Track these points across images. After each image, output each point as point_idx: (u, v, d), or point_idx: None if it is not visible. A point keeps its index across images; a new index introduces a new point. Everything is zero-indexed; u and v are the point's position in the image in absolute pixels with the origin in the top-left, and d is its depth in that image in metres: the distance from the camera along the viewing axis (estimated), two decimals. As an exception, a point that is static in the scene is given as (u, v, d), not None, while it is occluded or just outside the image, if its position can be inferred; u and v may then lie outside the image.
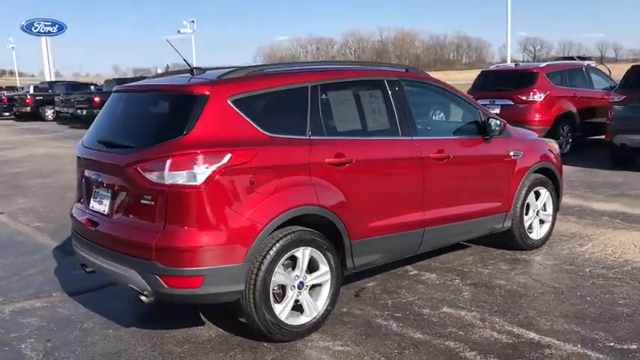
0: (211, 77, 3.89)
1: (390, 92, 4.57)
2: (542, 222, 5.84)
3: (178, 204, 3.51)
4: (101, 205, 3.97)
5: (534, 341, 3.82)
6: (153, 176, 3.55)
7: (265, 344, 3.88)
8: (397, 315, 4.30)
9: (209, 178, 3.50)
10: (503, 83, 11.95)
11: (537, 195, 5.75)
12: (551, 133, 10.75)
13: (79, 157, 4.32)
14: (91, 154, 4.15)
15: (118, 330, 4.19)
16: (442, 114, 6.67)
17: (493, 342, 3.83)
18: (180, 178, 3.49)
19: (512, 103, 11.32)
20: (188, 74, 4.18)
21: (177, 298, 3.68)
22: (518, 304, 4.44)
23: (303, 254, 3.88)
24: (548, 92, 11.28)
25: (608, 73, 13.84)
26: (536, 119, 11.12)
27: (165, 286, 3.54)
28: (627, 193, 8.24)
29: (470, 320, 4.18)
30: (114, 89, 4.48)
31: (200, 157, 3.51)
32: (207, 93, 3.69)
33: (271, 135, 3.81)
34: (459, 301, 4.54)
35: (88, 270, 4.33)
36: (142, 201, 3.61)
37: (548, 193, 5.81)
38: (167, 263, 3.50)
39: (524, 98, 11.23)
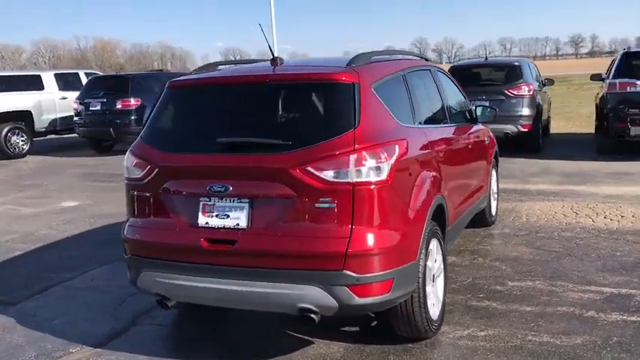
0: (342, 64, 3.59)
1: (436, 81, 4.74)
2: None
3: (366, 202, 3.19)
4: (228, 219, 3.33)
5: (609, 293, 4.39)
6: (332, 175, 3.16)
7: (410, 345, 3.76)
8: (481, 295, 4.49)
9: (391, 172, 3.27)
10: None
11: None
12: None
13: (164, 167, 3.51)
14: (200, 159, 3.44)
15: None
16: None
17: (585, 299, 4.29)
18: (367, 173, 3.18)
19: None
20: (267, 63, 3.83)
21: (366, 308, 3.34)
22: (554, 267, 4.99)
23: (435, 246, 3.84)
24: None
25: None
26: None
27: (357, 296, 3.19)
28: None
29: (542, 287, 4.58)
30: (181, 83, 3.77)
31: (381, 149, 3.26)
32: (356, 81, 3.40)
33: (401, 124, 3.69)
34: (508, 274, 4.91)
35: (170, 304, 3.61)
36: (317, 205, 3.17)
37: (495, 173, 6.54)
38: (360, 271, 3.16)
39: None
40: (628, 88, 9.82)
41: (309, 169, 3.17)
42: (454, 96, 5.32)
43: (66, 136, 16.33)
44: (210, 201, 3.39)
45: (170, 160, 3.50)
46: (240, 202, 3.32)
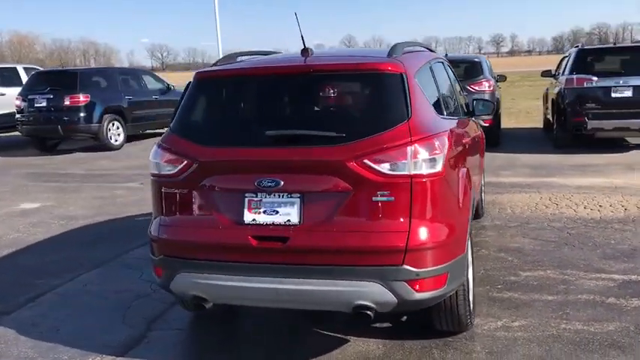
0: (382, 54, 3.51)
1: (448, 73, 4.74)
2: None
3: (424, 195, 3.11)
4: (277, 216, 3.17)
5: (621, 280, 4.52)
6: (390, 168, 3.06)
7: (449, 338, 3.73)
8: (499, 286, 4.52)
9: (444, 164, 3.21)
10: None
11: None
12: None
13: (206, 162, 3.29)
14: (248, 153, 3.24)
15: None
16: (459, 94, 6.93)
17: (600, 286, 4.40)
18: (424, 166, 3.11)
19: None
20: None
21: (423, 304, 3.25)
22: (557, 256, 5.09)
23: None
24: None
25: None
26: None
27: (415, 292, 3.11)
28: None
29: (555, 276, 4.66)
30: (215, 73, 3.57)
31: (435, 141, 3.19)
32: (403, 71, 3.32)
33: (438, 115, 3.64)
34: (517, 265, 4.97)
35: (207, 306, 3.42)
36: (375, 198, 3.07)
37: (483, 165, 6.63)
38: (419, 265, 3.09)
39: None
40: (585, 83, 10.21)
41: (367, 161, 3.07)
42: (459, 88, 5.33)
43: (5, 134, 15.41)
44: (256, 197, 3.22)
45: (214, 155, 3.29)
46: (291, 197, 3.17)
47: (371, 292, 3.08)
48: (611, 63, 10.85)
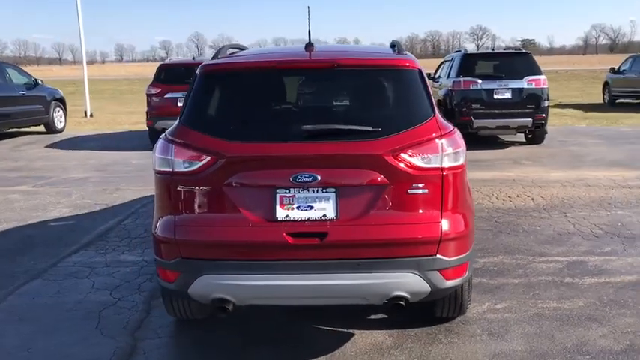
0: (389, 51, 3.61)
1: None
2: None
3: (452, 187, 3.25)
4: (312, 211, 3.12)
5: (565, 261, 5.03)
6: (424, 161, 3.17)
7: (447, 324, 3.92)
8: (494, 268, 4.81)
9: (465, 158, 3.38)
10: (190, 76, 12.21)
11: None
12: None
13: (235, 158, 3.14)
14: (282, 149, 3.13)
15: None
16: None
17: (552, 268, 4.86)
18: (452, 159, 3.25)
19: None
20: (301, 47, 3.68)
21: (448, 291, 3.37)
22: (500, 243, 5.52)
23: None
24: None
25: None
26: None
27: (446, 280, 3.25)
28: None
29: (508, 261, 5.05)
30: (230, 66, 3.42)
31: (457, 136, 3.35)
32: (419, 68, 3.45)
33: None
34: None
35: (229, 308, 3.28)
36: (410, 191, 3.15)
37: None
38: (450, 254, 3.23)
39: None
40: (470, 85, 11.07)
41: (403, 155, 3.14)
42: None
43: None
44: (289, 192, 3.15)
45: (244, 150, 3.15)
46: (326, 191, 3.15)
47: (408, 283, 3.16)
48: (491, 67, 11.86)
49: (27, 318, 4.14)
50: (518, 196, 7.42)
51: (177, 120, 3.43)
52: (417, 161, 3.17)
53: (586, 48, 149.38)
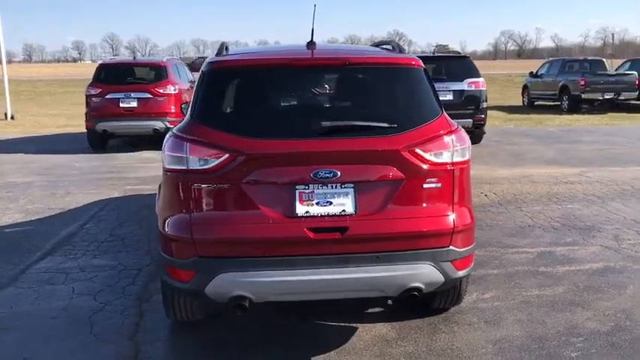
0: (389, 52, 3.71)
1: None
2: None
3: (460, 181, 3.40)
4: (331, 206, 3.16)
5: (534, 252, 5.32)
6: (437, 156, 3.29)
7: (444, 314, 4.07)
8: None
9: (470, 153, 3.53)
10: (134, 75, 11.91)
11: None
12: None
13: (256, 155, 3.13)
14: (303, 145, 3.15)
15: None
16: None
17: (524, 258, 5.12)
18: (460, 154, 3.39)
19: (150, 96, 11.41)
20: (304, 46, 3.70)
21: (457, 281, 3.50)
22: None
23: None
24: (177, 85, 11.88)
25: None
26: (172, 111, 11.57)
27: (457, 270, 3.38)
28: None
29: (482, 254, 5.27)
30: (243, 62, 3.40)
31: (462, 132, 3.49)
32: (422, 67, 3.57)
33: None
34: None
35: (247, 305, 3.25)
36: (425, 185, 3.26)
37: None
38: (461, 245, 3.36)
39: (161, 91, 11.49)
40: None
41: (418, 150, 3.25)
42: None
43: None
44: (308, 188, 3.18)
45: (265, 147, 3.15)
46: (344, 187, 3.20)
47: (424, 274, 3.27)
48: (432, 70, 12.24)
49: (12, 327, 3.93)
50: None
51: (188, 117, 3.37)
52: (431, 156, 3.28)
53: (496, 53, 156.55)
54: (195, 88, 3.49)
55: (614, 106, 19.42)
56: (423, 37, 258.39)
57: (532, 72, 22.27)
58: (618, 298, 4.30)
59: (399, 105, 3.50)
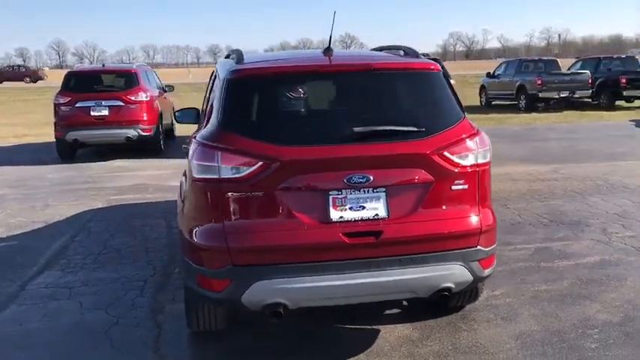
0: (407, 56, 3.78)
1: None
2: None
3: (484, 182, 3.49)
4: (364, 211, 3.19)
5: (532, 248, 5.47)
6: (464, 159, 3.37)
7: (461, 313, 4.15)
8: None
9: (491, 155, 3.62)
10: (104, 83, 11.68)
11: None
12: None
13: (290, 162, 3.13)
14: (337, 151, 3.17)
15: None
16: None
17: (524, 255, 5.27)
18: (483, 156, 3.47)
19: (122, 103, 11.18)
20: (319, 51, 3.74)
21: (483, 280, 3.58)
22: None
23: None
24: (148, 92, 11.67)
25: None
26: (145, 118, 11.36)
27: (484, 269, 3.46)
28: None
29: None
30: (268, 70, 3.39)
31: (484, 134, 3.58)
32: (440, 71, 3.64)
33: None
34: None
35: (282, 312, 3.25)
36: (453, 187, 3.34)
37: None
38: (487, 245, 3.45)
39: (133, 98, 11.27)
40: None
41: (447, 153, 3.32)
42: None
43: None
44: (340, 194, 3.20)
45: (299, 154, 3.15)
46: (376, 191, 3.24)
47: (455, 274, 3.34)
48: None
49: (26, 346, 3.81)
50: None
51: (215, 125, 3.34)
52: (458, 159, 3.36)
53: (445, 55, 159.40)
54: (218, 95, 3.47)
55: (569, 104, 20.08)
56: (373, 40, 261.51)
57: (489, 72, 22.79)
58: (621, 289, 4.47)
59: (424, 109, 3.56)
